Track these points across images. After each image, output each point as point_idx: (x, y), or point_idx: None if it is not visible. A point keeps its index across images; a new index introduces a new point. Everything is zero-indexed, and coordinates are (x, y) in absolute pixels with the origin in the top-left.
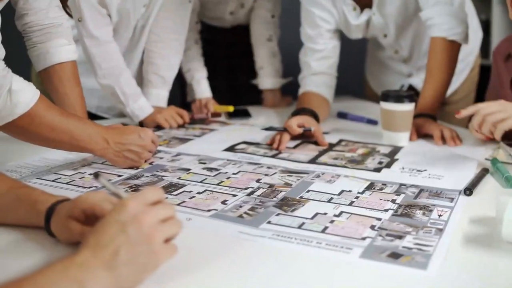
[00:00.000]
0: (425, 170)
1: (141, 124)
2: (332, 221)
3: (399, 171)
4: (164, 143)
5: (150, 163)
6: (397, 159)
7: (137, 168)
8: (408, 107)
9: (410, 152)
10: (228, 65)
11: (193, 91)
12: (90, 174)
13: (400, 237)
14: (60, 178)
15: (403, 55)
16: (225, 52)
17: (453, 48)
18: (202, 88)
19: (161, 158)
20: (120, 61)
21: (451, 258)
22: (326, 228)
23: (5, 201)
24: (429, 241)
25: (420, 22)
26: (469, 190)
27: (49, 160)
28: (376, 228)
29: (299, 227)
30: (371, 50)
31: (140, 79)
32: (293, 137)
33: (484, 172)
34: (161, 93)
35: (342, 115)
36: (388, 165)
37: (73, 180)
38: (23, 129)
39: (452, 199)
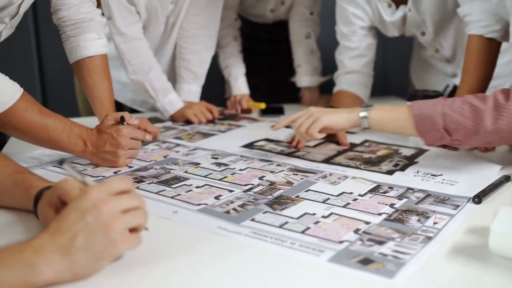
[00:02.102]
0: (441, 174)
1: (173, 119)
2: (317, 222)
3: (412, 175)
4: (186, 138)
5: (164, 156)
6: (416, 162)
7: (117, 167)
8: None
9: (433, 156)
10: (271, 61)
11: (230, 88)
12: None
13: (381, 243)
14: (75, 166)
15: (445, 54)
16: (268, 48)
17: (491, 46)
18: (239, 85)
19: (177, 152)
20: (149, 57)
21: (429, 269)
22: (307, 229)
23: (5, 185)
24: (410, 249)
25: (462, 20)
26: (478, 198)
27: None
28: (360, 232)
29: (281, 226)
30: (416, 49)
31: (172, 74)
32: None
33: (503, 179)
34: (192, 88)
35: None
36: (403, 168)
37: (86, 170)
38: (3, 123)
39: (457, 207)
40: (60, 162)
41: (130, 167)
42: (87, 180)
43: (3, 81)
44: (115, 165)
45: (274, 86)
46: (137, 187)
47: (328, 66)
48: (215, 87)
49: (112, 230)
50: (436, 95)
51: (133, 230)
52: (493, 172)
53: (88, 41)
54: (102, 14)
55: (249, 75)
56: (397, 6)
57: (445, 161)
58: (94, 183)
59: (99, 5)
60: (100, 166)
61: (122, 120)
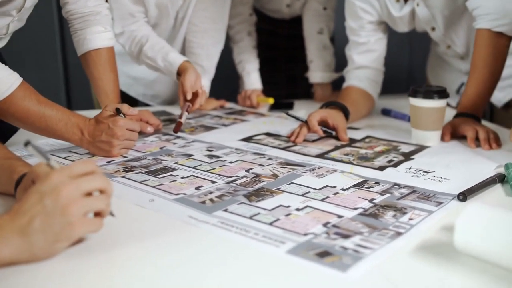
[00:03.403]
0: (433, 171)
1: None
2: (288, 215)
3: (404, 171)
4: (188, 130)
5: (161, 148)
6: (412, 159)
7: (111, 156)
8: (437, 104)
9: (432, 153)
10: (289, 56)
11: (243, 83)
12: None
13: (346, 237)
14: (72, 156)
15: (458, 51)
16: (286, 43)
17: (500, 41)
18: (252, 80)
19: (174, 143)
20: (138, 37)
21: (388, 265)
22: (276, 220)
23: None
24: (374, 244)
25: None
26: (463, 195)
27: None
28: (328, 225)
29: (251, 217)
30: (432, 45)
31: None
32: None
33: (496, 178)
34: (201, 82)
35: (386, 112)
36: (396, 164)
37: (82, 159)
38: (2, 111)
39: (439, 204)
40: (26, 144)
41: (125, 157)
42: (52, 162)
43: (2, 71)
44: (109, 154)
45: (291, 81)
46: (124, 176)
47: (344, 62)
48: (232, 82)
49: (69, 213)
50: (439, 90)
51: (97, 214)
52: (489, 170)
53: (94, 34)
54: None
55: (267, 69)
56: (406, 1)
57: (443, 158)
58: (58, 165)
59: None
60: (96, 156)
61: (117, 111)
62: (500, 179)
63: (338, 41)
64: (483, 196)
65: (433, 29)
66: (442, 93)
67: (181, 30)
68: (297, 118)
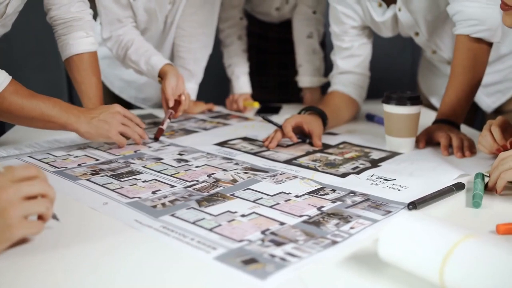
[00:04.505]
0: (394, 179)
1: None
2: (231, 220)
3: (365, 178)
4: (168, 134)
5: (135, 151)
6: (379, 166)
7: (111, 140)
8: (410, 110)
9: (400, 160)
10: (279, 60)
11: (233, 87)
12: (76, 157)
13: (280, 244)
14: (47, 158)
15: (444, 56)
16: (277, 47)
17: (480, 47)
18: (240, 84)
19: (149, 147)
20: (124, 41)
21: (312, 274)
22: (217, 226)
23: None
24: (304, 252)
25: None
26: (412, 205)
27: (60, 141)
28: (267, 232)
29: (194, 222)
30: (422, 50)
31: None
32: (296, 133)
33: (453, 187)
34: (188, 86)
35: (370, 117)
36: (360, 172)
37: (56, 161)
38: None
39: (388, 213)
40: None
41: (97, 160)
42: None
43: None
44: (109, 135)
45: (282, 85)
46: (88, 179)
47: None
48: (224, 86)
49: (8, 216)
50: (411, 97)
51: (39, 217)
52: (450, 179)
53: (77, 39)
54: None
55: (258, 74)
56: (388, 6)
57: (409, 166)
58: (2, 170)
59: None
60: (95, 140)
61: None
62: (459, 188)
63: (329, 45)
64: (438, 205)
65: (417, 34)
66: (415, 100)
67: (169, 35)
68: (272, 123)
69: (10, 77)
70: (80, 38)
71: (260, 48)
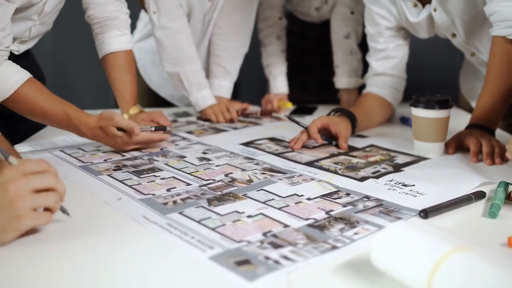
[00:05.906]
0: (413, 185)
1: (201, 115)
2: (236, 221)
3: (383, 183)
4: (198, 132)
5: (161, 149)
6: (402, 171)
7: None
8: (439, 114)
9: (425, 166)
10: (320, 60)
11: (270, 86)
12: (104, 152)
13: (278, 247)
14: (77, 152)
15: (483, 58)
16: (318, 47)
17: None
18: (277, 84)
19: (176, 145)
20: (190, 50)
21: (303, 278)
22: (221, 226)
23: None
24: (301, 256)
25: None
26: (424, 212)
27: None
28: (268, 234)
29: (199, 221)
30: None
31: (207, 72)
32: (323, 134)
33: (472, 196)
34: (223, 84)
35: (404, 120)
36: (379, 176)
37: (84, 156)
38: (11, 103)
39: (398, 219)
40: None
41: (123, 155)
42: (11, 159)
43: (10, 68)
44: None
45: (322, 86)
46: (109, 175)
47: None
48: (263, 86)
49: (16, 207)
50: (440, 100)
51: (48, 209)
52: (472, 187)
53: (112, 38)
54: (145, 10)
55: (298, 74)
56: (424, 6)
57: (432, 171)
58: (17, 162)
59: (141, 2)
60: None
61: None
62: (478, 196)
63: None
64: (453, 214)
65: (454, 35)
66: (444, 103)
67: (207, 33)
68: (298, 123)
69: (29, 75)
70: (115, 37)
71: (301, 48)
